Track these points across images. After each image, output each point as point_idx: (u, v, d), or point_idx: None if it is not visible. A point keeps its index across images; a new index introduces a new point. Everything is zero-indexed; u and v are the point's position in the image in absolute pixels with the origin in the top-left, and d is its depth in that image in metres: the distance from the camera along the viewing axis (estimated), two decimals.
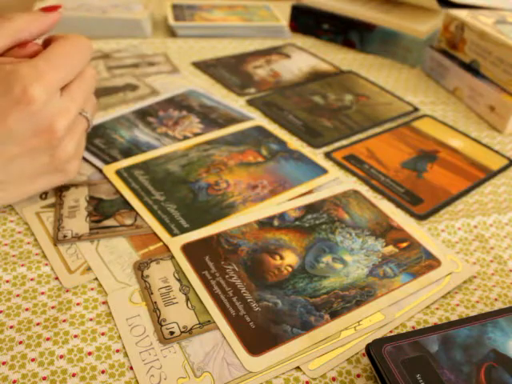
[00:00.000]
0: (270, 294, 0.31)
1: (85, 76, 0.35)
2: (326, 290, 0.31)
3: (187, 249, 0.34)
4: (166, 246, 0.34)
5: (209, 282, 0.31)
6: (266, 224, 0.36)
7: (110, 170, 0.40)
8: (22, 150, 0.31)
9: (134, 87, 0.54)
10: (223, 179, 0.41)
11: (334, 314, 0.30)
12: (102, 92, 0.53)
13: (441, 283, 0.33)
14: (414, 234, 0.36)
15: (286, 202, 0.39)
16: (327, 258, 0.34)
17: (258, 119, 0.50)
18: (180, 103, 0.52)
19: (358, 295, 0.31)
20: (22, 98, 0.29)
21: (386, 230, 0.37)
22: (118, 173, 0.40)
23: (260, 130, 0.48)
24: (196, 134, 0.47)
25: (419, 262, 0.34)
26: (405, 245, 0.35)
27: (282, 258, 0.34)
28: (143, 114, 0.49)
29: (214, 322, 0.29)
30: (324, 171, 0.43)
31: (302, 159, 0.44)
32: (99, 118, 0.47)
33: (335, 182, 0.42)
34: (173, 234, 0.35)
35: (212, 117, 0.50)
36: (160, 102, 0.51)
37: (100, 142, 0.44)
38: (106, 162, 0.41)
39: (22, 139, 0.30)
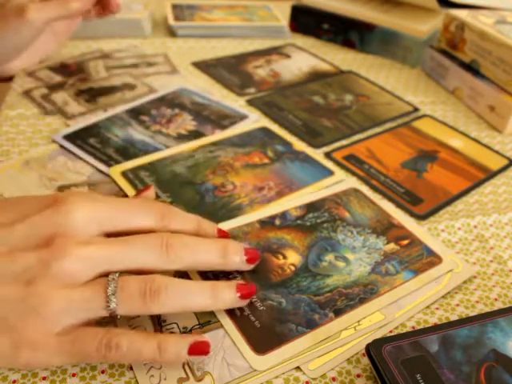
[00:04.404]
0: (274, 293, 0.31)
1: (148, 244, 0.26)
2: (330, 288, 0.31)
3: None
4: None
5: None
6: (267, 223, 0.36)
7: (115, 172, 0.40)
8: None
9: (131, 87, 0.54)
10: (229, 181, 0.41)
11: (339, 312, 0.30)
12: (100, 92, 0.53)
13: (441, 283, 0.33)
14: (414, 232, 0.36)
15: (287, 201, 0.39)
16: (330, 257, 0.34)
17: (253, 116, 0.50)
18: (172, 101, 0.52)
19: (362, 293, 0.31)
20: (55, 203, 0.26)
21: (386, 228, 0.37)
22: (124, 174, 0.40)
23: (265, 131, 0.48)
24: (190, 131, 0.47)
25: (420, 258, 0.34)
26: (406, 242, 0.36)
27: (284, 257, 0.34)
28: (136, 113, 0.49)
29: (215, 323, 0.29)
30: (330, 173, 0.43)
31: (308, 161, 0.44)
32: (92, 118, 0.48)
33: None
34: None
35: (204, 114, 0.50)
36: (152, 101, 0.51)
37: (95, 141, 0.44)
38: (103, 161, 0.41)
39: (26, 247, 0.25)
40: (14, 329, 0.23)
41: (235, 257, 0.29)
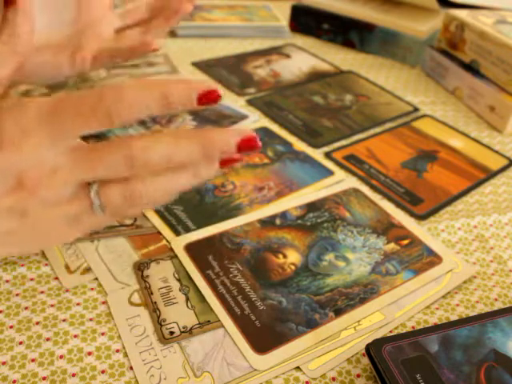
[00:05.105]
0: (275, 293, 0.31)
1: (113, 152, 0.25)
2: (330, 288, 0.32)
3: (190, 248, 0.34)
4: (167, 246, 0.34)
5: (213, 282, 0.31)
6: (267, 223, 0.36)
7: None
8: None
9: None
10: (229, 181, 0.41)
11: (339, 312, 0.30)
12: None
13: (441, 283, 0.33)
14: (414, 232, 0.36)
15: (287, 201, 0.39)
16: (330, 256, 0.34)
17: (253, 116, 0.50)
18: None
19: (362, 292, 0.31)
20: (5, 145, 0.24)
21: (387, 228, 0.37)
22: None
23: (265, 131, 0.48)
24: None
25: (421, 258, 0.34)
26: (406, 242, 0.36)
27: (285, 256, 0.34)
28: None
29: (215, 322, 0.29)
30: (330, 173, 0.43)
31: (308, 161, 0.44)
32: None
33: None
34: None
35: (204, 114, 0.50)
36: None
37: (95, 141, 0.44)
38: None
39: None
40: (28, 244, 0.27)
41: (221, 151, 0.26)
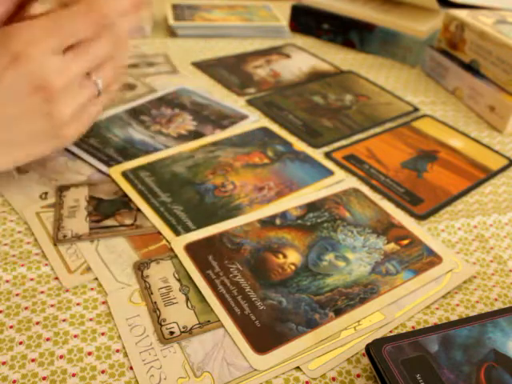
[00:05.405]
0: (275, 293, 0.31)
1: (101, 41, 0.32)
2: (330, 288, 0.32)
3: (190, 248, 0.34)
4: (167, 246, 0.34)
5: (213, 282, 0.31)
6: (267, 223, 0.36)
7: (115, 172, 0.40)
8: (18, 111, 0.30)
9: (131, 87, 0.54)
10: (229, 181, 0.41)
11: (339, 312, 0.30)
12: None
13: (441, 283, 0.33)
14: (414, 232, 0.36)
15: (287, 201, 0.39)
16: (330, 256, 0.34)
17: (253, 116, 0.50)
18: (172, 101, 0.52)
19: (362, 292, 0.31)
20: (17, 57, 0.29)
21: (387, 228, 0.37)
22: (124, 174, 0.40)
23: (265, 131, 0.48)
24: (190, 131, 0.47)
25: (421, 258, 0.34)
26: (406, 242, 0.36)
27: (285, 256, 0.34)
28: (136, 113, 0.49)
29: (215, 322, 0.29)
30: (330, 173, 0.43)
31: (308, 161, 0.44)
32: None
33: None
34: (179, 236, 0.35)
35: (204, 114, 0.50)
36: (152, 101, 0.51)
37: (95, 141, 0.44)
38: (103, 161, 0.41)
39: (18, 98, 0.30)
40: (55, 135, 0.33)
41: None
